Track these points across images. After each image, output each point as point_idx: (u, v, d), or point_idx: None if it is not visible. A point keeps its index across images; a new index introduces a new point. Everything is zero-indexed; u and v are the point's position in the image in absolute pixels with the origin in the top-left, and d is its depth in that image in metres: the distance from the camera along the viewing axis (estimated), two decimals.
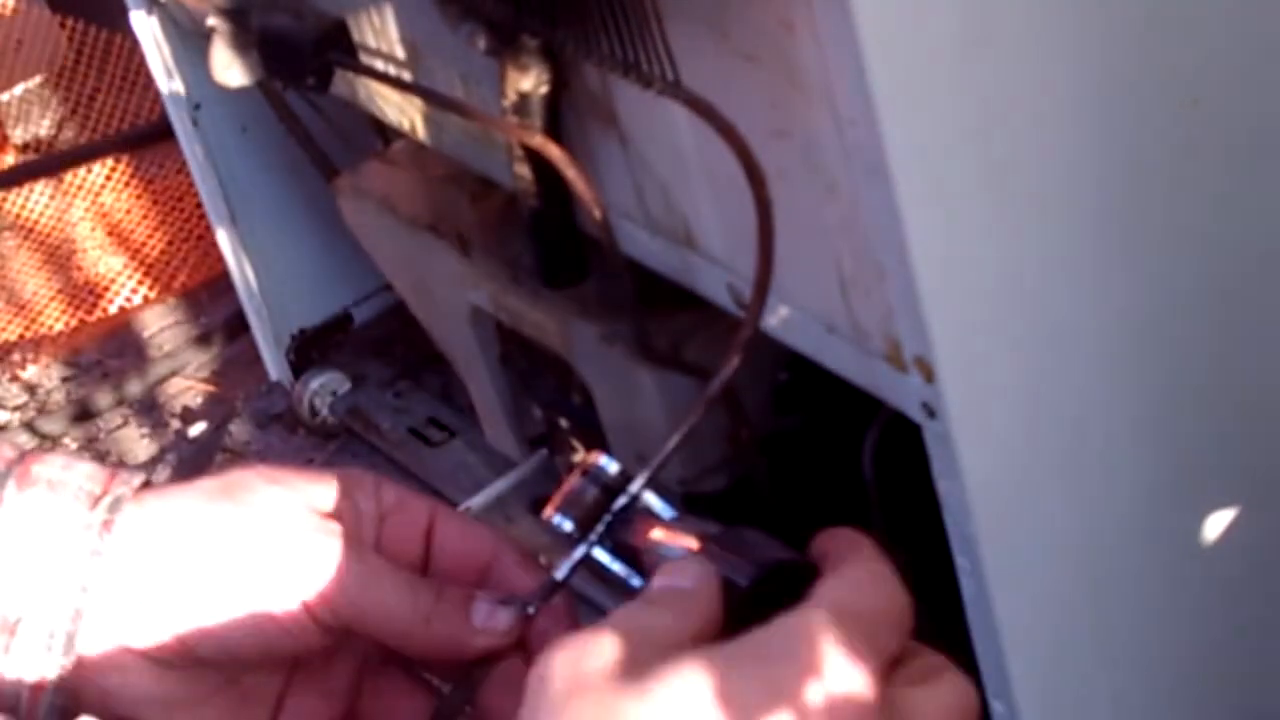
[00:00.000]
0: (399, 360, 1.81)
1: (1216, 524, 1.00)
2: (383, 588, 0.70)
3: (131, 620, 0.70)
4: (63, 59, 2.31)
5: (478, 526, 0.77)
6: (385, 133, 1.56)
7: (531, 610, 0.72)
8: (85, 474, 0.72)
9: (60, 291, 2.14)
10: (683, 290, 1.04)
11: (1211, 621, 1.04)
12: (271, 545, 0.70)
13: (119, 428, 1.97)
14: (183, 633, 0.69)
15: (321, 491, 0.72)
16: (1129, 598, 1.00)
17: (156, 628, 0.70)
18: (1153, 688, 1.05)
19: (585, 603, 1.47)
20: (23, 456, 0.72)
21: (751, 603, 0.63)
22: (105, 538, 0.69)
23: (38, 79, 2.31)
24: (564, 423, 1.36)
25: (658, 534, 0.69)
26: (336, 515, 0.72)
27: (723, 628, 0.62)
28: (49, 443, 1.96)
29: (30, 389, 2.07)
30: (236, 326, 1.91)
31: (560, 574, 0.72)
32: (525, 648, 0.72)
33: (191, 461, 1.90)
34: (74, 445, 1.96)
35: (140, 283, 2.12)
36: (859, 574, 0.62)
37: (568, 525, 0.71)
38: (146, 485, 0.72)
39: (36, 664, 0.69)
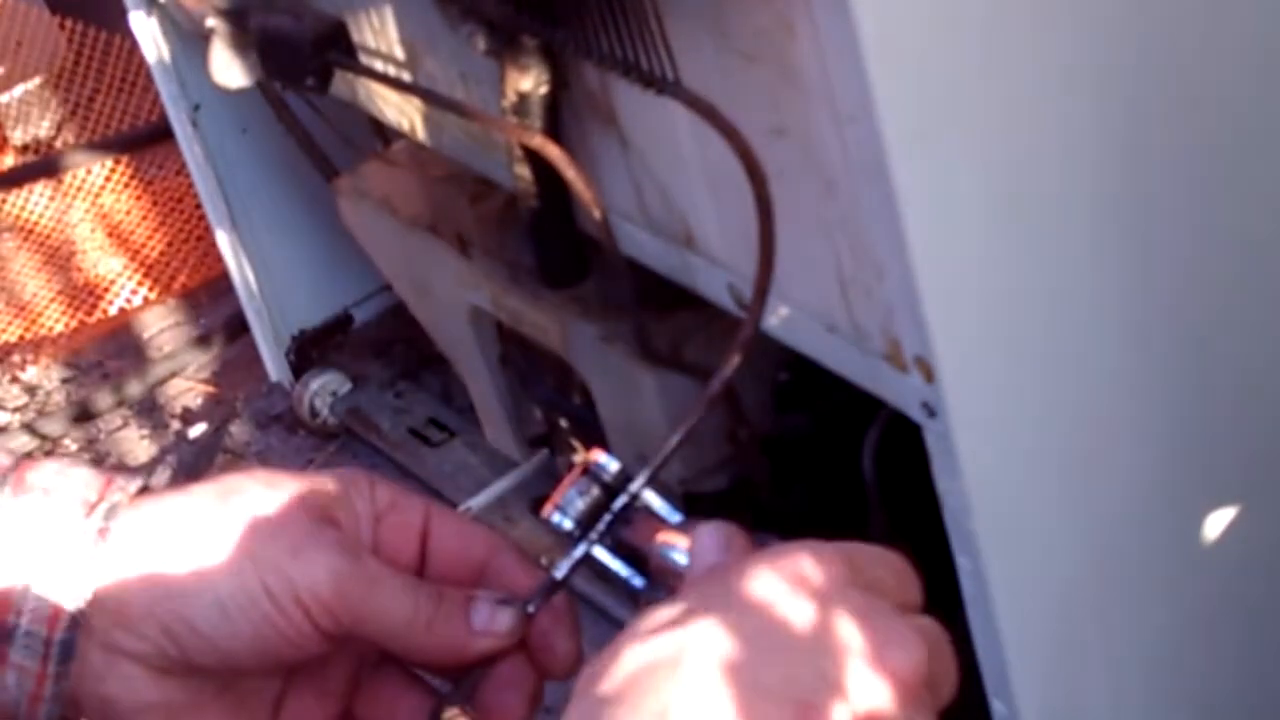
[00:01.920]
0: (399, 361, 1.80)
1: (1217, 523, 1.00)
2: (381, 591, 0.70)
3: (129, 628, 0.69)
4: (62, 60, 2.31)
5: (474, 525, 0.77)
6: (385, 133, 1.55)
7: (531, 610, 0.72)
8: (81, 480, 0.71)
9: (60, 293, 2.14)
10: (683, 290, 1.04)
11: (1211, 621, 1.04)
12: (268, 550, 0.69)
13: (119, 429, 1.97)
14: (180, 640, 0.69)
15: (317, 494, 0.72)
16: (1129, 597, 1.00)
17: (154, 635, 0.69)
18: (1152, 687, 1.05)
19: (584, 602, 1.47)
20: (18, 463, 0.72)
21: None
22: (101, 545, 0.69)
23: (37, 80, 2.31)
24: (564, 423, 1.36)
25: (665, 536, 0.69)
26: (332, 518, 0.72)
27: None
28: (49, 444, 1.96)
29: (30, 390, 2.07)
30: (236, 327, 1.91)
31: (560, 573, 0.72)
32: (526, 647, 0.72)
33: (192, 463, 1.90)
34: (74, 446, 1.96)
35: (140, 284, 2.12)
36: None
37: (567, 524, 0.71)
38: (143, 490, 0.72)
39: (34, 672, 0.69)
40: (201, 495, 0.71)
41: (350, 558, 0.70)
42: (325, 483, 0.73)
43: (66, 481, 0.71)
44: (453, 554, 0.74)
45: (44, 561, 0.69)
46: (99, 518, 0.70)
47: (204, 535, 0.70)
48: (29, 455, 0.74)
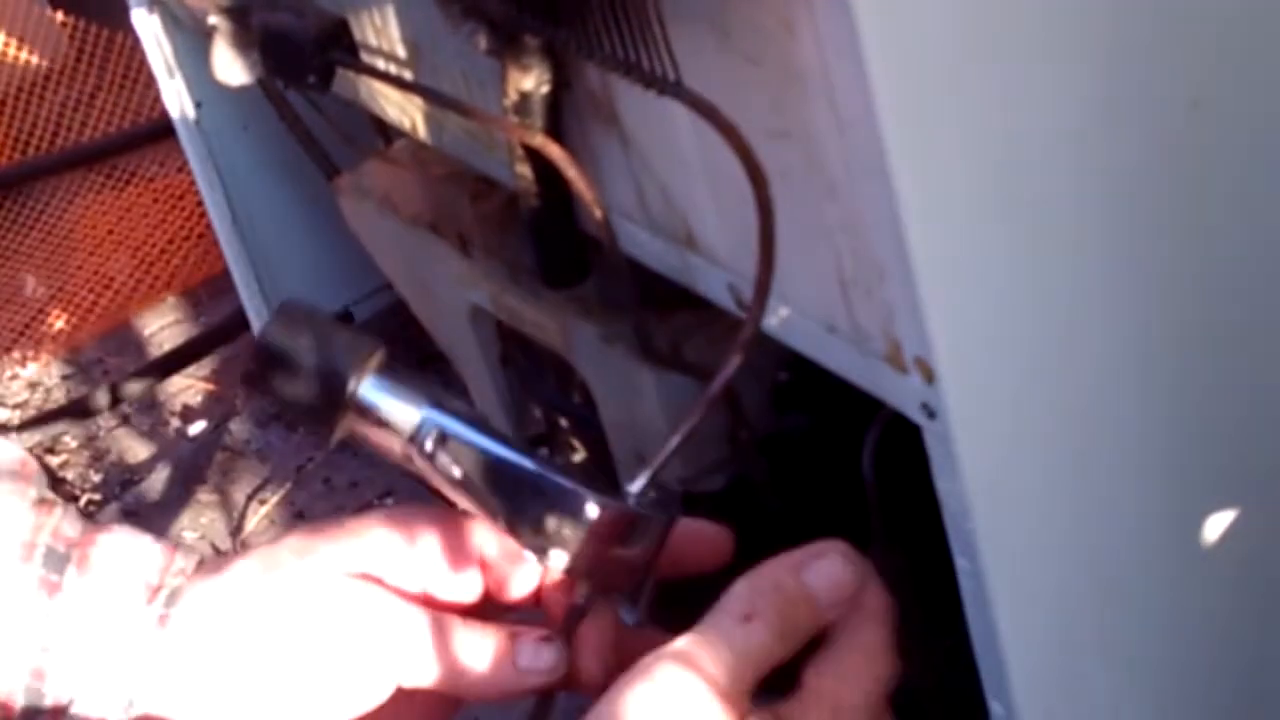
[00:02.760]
0: (399, 359, 1.81)
1: (1218, 524, 1.00)
2: (427, 644, 0.71)
3: (187, 713, 0.70)
4: (64, 57, 2.31)
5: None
6: (386, 132, 1.56)
7: (569, 638, 0.73)
8: (143, 558, 0.72)
9: (61, 289, 2.15)
10: (683, 290, 1.04)
11: (1212, 622, 1.04)
12: (315, 627, 0.70)
13: (119, 426, 1.97)
14: None
15: (354, 554, 0.73)
16: (1129, 598, 1.00)
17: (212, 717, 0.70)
18: (1153, 689, 1.05)
19: None
20: (83, 535, 0.73)
21: None
22: (160, 632, 0.70)
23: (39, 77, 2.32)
24: (564, 423, 1.36)
25: None
26: (373, 576, 0.72)
27: None
28: (49, 440, 1.96)
29: (30, 387, 2.08)
30: (236, 325, 1.91)
31: (584, 598, 0.73)
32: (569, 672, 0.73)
33: (190, 460, 1.90)
34: (74, 444, 1.96)
35: (140, 281, 2.12)
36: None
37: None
38: (200, 564, 0.73)
39: None
40: (246, 574, 0.72)
41: (394, 616, 0.71)
42: (364, 534, 0.73)
43: (129, 561, 0.72)
44: (504, 570, 0.76)
45: (106, 647, 0.70)
46: (160, 604, 0.71)
47: (250, 623, 0.71)
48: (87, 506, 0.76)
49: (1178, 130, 0.90)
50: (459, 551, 0.75)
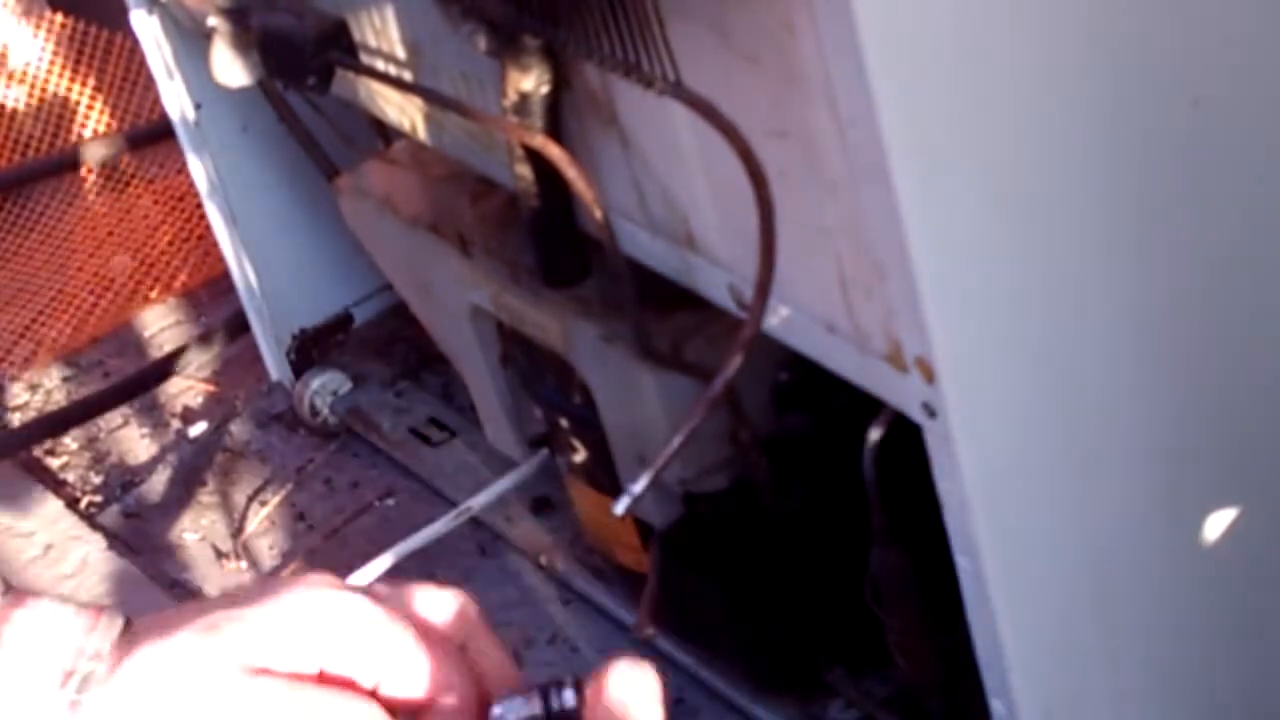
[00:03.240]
0: (399, 360, 1.81)
1: (1216, 524, 1.00)
2: None
3: None
4: (64, 59, 2.31)
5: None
6: (386, 133, 1.56)
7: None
8: (59, 639, 0.71)
9: (61, 291, 2.15)
10: (683, 290, 1.04)
11: (1211, 621, 1.04)
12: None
13: (119, 428, 1.97)
14: None
15: (257, 633, 0.71)
16: (1129, 597, 1.00)
17: None
18: (1152, 687, 1.05)
19: (583, 600, 1.47)
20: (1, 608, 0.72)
21: None
22: (71, 717, 0.69)
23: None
24: (564, 423, 1.36)
25: None
26: (273, 654, 0.71)
27: None
28: (50, 442, 1.96)
29: (30, 388, 2.07)
30: (237, 326, 1.91)
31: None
32: None
33: (191, 462, 1.90)
34: (74, 445, 1.96)
35: (140, 282, 2.12)
36: None
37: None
38: (126, 626, 0.72)
39: None
40: (147, 663, 0.70)
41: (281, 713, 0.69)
42: (266, 610, 0.71)
43: (44, 641, 0.71)
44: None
45: None
46: (72, 689, 0.70)
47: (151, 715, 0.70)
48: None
49: (1178, 129, 0.90)
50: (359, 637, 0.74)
